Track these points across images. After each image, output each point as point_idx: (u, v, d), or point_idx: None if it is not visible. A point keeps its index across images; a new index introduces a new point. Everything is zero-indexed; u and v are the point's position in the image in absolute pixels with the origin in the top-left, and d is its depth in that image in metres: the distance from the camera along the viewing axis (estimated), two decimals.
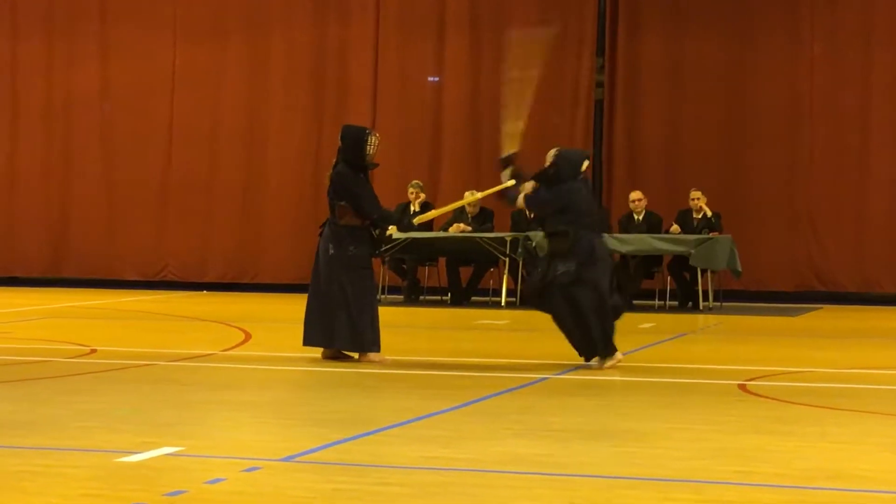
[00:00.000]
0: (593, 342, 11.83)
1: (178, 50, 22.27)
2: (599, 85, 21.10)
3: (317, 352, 12.19)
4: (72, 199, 22.54)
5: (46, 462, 7.33)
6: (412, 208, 19.60)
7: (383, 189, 20.96)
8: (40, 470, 7.08)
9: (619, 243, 18.41)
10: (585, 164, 12.21)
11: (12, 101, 22.83)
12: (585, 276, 11.71)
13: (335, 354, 12.09)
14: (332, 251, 11.99)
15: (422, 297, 19.97)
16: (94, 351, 12.97)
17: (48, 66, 22.71)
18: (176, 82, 22.26)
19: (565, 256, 11.77)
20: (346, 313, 11.86)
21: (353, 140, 12.21)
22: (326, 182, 12.21)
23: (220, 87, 22.07)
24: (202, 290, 21.67)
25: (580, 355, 11.91)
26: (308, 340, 12.08)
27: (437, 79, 21.44)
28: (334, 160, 12.18)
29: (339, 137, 12.21)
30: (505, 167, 12.12)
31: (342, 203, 12.04)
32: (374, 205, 12.08)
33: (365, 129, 12.51)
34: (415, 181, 19.89)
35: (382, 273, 19.85)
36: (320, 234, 12.14)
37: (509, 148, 12.20)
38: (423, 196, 19.77)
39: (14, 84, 22.83)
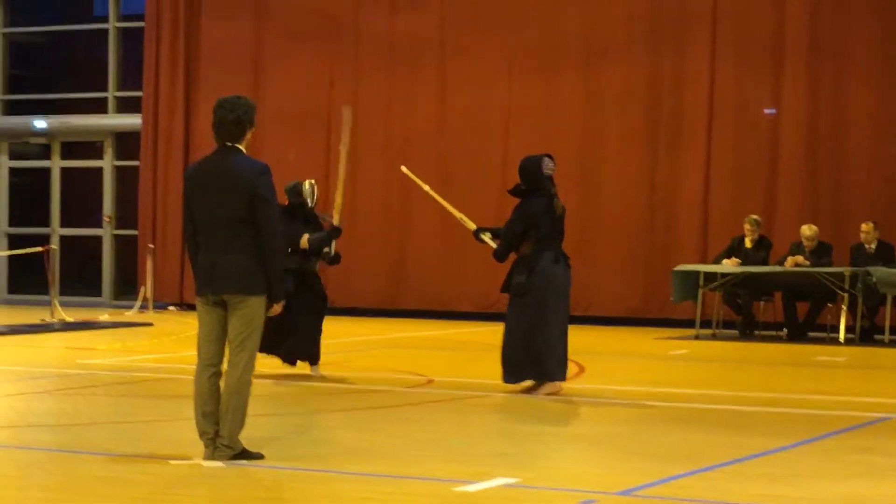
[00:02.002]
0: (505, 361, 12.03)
1: (514, 82, 22.51)
2: None
3: (652, 384, 12.08)
4: (409, 233, 23.04)
5: (386, 489, 7.50)
6: (745, 244, 19.29)
7: (716, 220, 20.88)
8: (381, 497, 7.24)
9: None
10: (547, 165, 12.13)
11: (353, 139, 23.41)
12: (531, 292, 11.82)
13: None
14: None
15: (757, 332, 19.62)
16: (430, 381, 13.21)
17: (388, 103, 23.29)
18: (511, 115, 22.51)
19: (521, 269, 11.93)
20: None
21: (289, 191, 13.47)
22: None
23: (555, 120, 22.17)
24: None
25: None
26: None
27: (773, 111, 21.05)
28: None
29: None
30: (480, 240, 12.77)
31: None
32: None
33: (299, 181, 13.60)
34: (752, 216, 19.52)
35: (716, 307, 19.59)
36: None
37: (469, 225, 13.03)
38: (759, 231, 19.43)
39: (355, 122, 23.44)
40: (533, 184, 12.12)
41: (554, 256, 12.02)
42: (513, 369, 12.01)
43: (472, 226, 12.98)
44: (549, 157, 12.30)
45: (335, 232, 13.51)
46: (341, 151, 13.89)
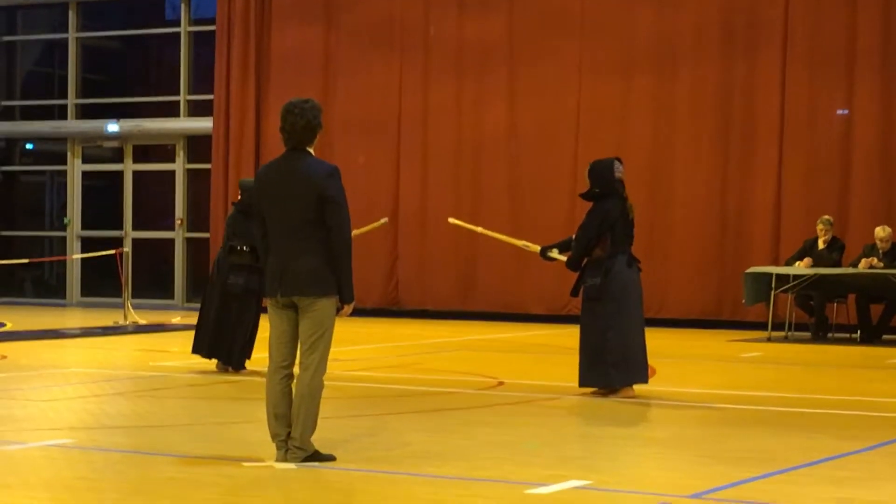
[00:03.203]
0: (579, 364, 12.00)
1: (584, 87, 22.45)
2: None
3: (724, 387, 12.03)
4: (480, 235, 23.01)
5: (458, 492, 7.50)
6: (818, 245, 19.17)
7: (788, 222, 20.74)
8: (453, 500, 7.25)
9: None
10: (618, 168, 12.11)
11: (423, 144, 23.51)
12: (607, 296, 11.77)
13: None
14: None
15: (830, 335, 19.46)
16: (501, 383, 13.20)
17: (458, 108, 23.31)
18: (581, 120, 22.45)
19: (595, 272, 11.87)
20: None
21: (245, 189, 13.59)
22: None
23: (625, 124, 22.10)
24: None
25: None
26: None
27: (846, 111, 20.88)
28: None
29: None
30: (549, 258, 12.63)
31: None
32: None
33: None
34: (825, 217, 19.40)
35: (789, 310, 19.45)
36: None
37: (533, 248, 12.93)
38: (831, 232, 19.29)
39: (425, 127, 23.52)
40: (605, 187, 12.10)
41: (627, 260, 12.01)
42: (589, 373, 11.97)
43: (536, 248, 12.90)
44: (619, 160, 12.28)
45: None
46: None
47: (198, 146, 25.84)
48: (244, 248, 13.53)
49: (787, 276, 18.90)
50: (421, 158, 23.46)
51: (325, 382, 8.38)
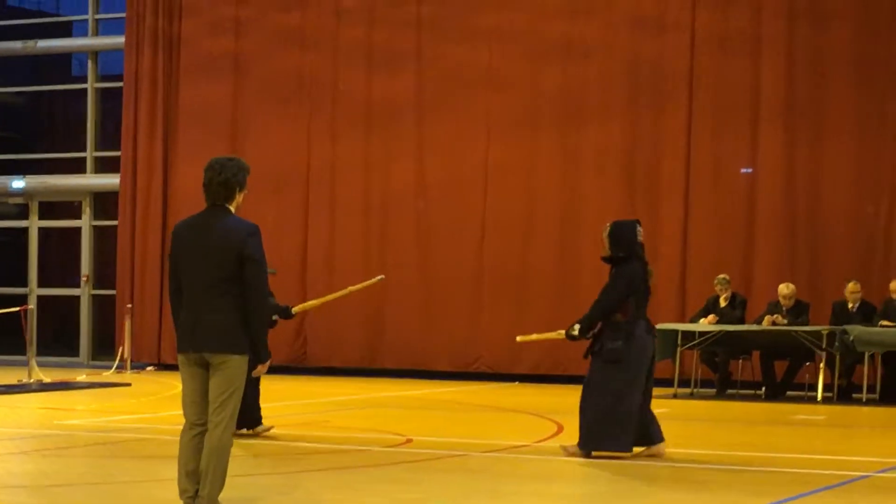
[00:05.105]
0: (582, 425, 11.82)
1: (492, 142, 22.58)
2: None
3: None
4: (388, 292, 22.99)
5: None
6: (721, 301, 19.41)
7: (694, 279, 20.92)
8: None
9: None
10: (639, 231, 12.12)
11: (331, 199, 23.52)
12: (627, 360, 11.65)
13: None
14: None
15: (735, 391, 19.65)
16: (409, 440, 13.20)
17: (366, 163, 23.34)
18: (489, 174, 22.56)
19: (615, 335, 11.74)
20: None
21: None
22: None
23: (533, 179, 22.23)
24: (515, 382, 21.82)
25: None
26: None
27: (750, 170, 21.17)
28: None
29: None
30: (572, 337, 12.29)
31: None
32: None
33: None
34: (720, 276, 19.63)
35: (694, 366, 19.63)
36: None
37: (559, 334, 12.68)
38: (730, 289, 19.52)
39: (333, 182, 23.53)
40: (628, 250, 12.02)
41: (647, 326, 11.93)
42: (596, 435, 11.76)
43: (561, 333, 12.78)
44: (639, 222, 12.28)
45: (287, 314, 13.67)
46: (348, 289, 14.08)
47: (105, 203, 25.68)
48: None
49: (693, 332, 19.08)
50: (329, 213, 23.45)
51: (235, 440, 8.33)
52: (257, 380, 13.27)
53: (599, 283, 21.33)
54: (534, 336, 13.66)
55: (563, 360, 21.48)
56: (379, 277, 14.53)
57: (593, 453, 11.76)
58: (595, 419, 11.79)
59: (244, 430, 13.00)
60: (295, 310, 13.70)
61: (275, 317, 13.48)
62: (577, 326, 12.15)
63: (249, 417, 13.11)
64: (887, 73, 20.42)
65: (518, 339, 13.90)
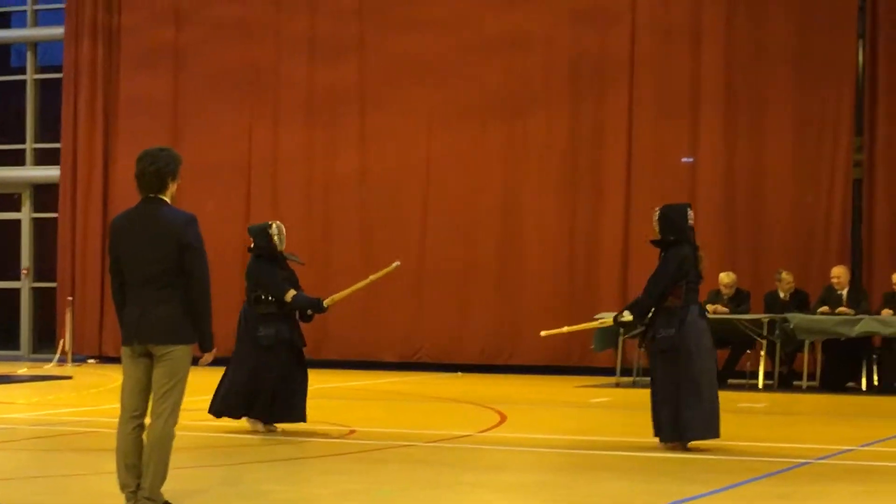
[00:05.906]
0: (657, 419, 11.63)
1: (434, 133, 22.59)
2: (857, 164, 20.66)
3: (575, 432, 12.13)
4: (329, 283, 22.92)
5: None
6: None
7: (636, 268, 21.00)
8: None
9: (882, 325, 18.00)
10: (690, 215, 11.83)
11: (273, 189, 23.44)
12: (682, 348, 11.44)
13: None
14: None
15: None
16: (353, 431, 13.19)
17: (309, 154, 23.28)
18: (431, 165, 22.57)
19: (668, 322, 11.53)
20: None
21: (257, 234, 13.27)
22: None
23: (476, 169, 22.25)
24: (457, 372, 21.85)
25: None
26: None
27: (691, 159, 21.28)
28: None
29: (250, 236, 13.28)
30: (623, 322, 12.09)
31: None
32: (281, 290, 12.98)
33: (266, 223, 13.42)
34: None
35: (637, 355, 19.70)
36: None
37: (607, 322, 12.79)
38: None
39: (276, 172, 23.45)
40: (679, 234, 11.72)
41: (700, 310, 11.71)
42: (671, 428, 11.61)
43: (593, 324, 12.46)
44: (690, 206, 12.02)
45: (320, 308, 13.37)
46: (369, 278, 13.87)
47: (45, 195, 25.49)
48: (268, 297, 13.17)
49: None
50: (271, 203, 23.37)
51: (176, 432, 8.29)
52: (305, 374, 13.18)
53: (541, 274, 21.72)
54: (564, 329, 13.17)
55: (506, 350, 21.56)
56: (395, 264, 14.33)
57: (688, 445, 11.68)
58: (664, 411, 11.61)
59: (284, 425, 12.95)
60: (326, 302, 13.28)
61: (309, 311, 13.35)
62: (626, 312, 11.95)
63: (297, 412, 12.97)
64: (825, 65, 20.57)
65: (542, 333, 13.30)
